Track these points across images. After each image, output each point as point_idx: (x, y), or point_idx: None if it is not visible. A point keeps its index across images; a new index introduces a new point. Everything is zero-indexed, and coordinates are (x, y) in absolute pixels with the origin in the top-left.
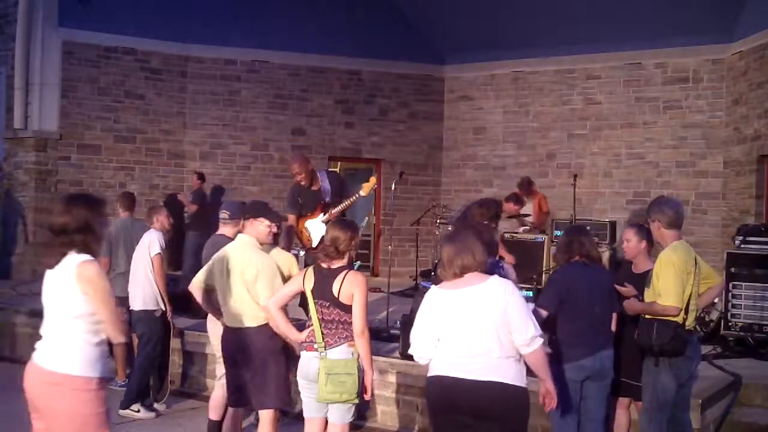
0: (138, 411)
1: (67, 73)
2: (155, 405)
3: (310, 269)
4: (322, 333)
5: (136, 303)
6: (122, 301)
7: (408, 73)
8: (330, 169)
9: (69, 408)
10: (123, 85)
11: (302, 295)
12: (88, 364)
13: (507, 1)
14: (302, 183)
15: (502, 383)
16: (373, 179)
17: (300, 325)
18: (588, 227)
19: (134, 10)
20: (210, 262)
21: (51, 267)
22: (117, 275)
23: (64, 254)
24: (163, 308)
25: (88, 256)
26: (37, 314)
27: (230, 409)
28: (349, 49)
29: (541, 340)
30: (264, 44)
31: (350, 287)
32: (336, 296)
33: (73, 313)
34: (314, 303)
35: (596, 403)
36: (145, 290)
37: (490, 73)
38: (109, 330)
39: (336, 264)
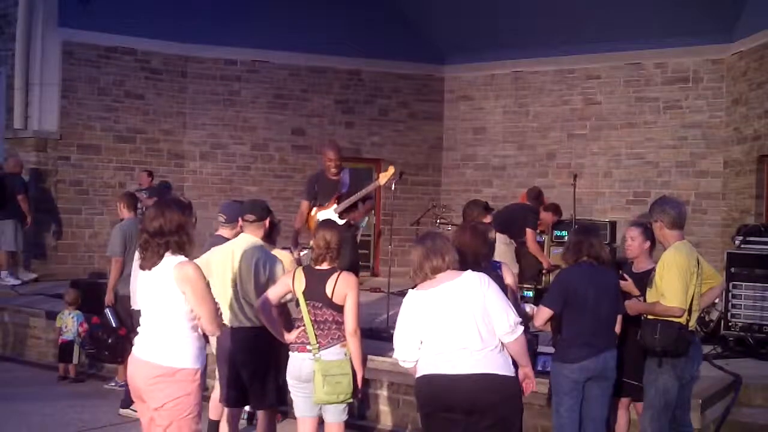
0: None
1: (67, 73)
2: None
3: (299, 270)
4: (315, 334)
5: (137, 304)
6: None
7: (408, 73)
8: (353, 168)
9: (177, 397)
10: (123, 85)
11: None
12: (195, 358)
13: (507, 1)
14: (331, 170)
15: (490, 374)
16: (392, 168)
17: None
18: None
19: (134, 10)
20: (205, 261)
21: (148, 268)
22: (127, 276)
23: (161, 256)
24: None
25: (183, 257)
26: (38, 315)
27: (226, 409)
28: (349, 49)
29: (522, 328)
30: (264, 44)
31: (344, 288)
32: (329, 297)
33: (176, 312)
34: (306, 304)
35: (598, 403)
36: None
37: (490, 73)
38: (207, 325)
39: (327, 265)
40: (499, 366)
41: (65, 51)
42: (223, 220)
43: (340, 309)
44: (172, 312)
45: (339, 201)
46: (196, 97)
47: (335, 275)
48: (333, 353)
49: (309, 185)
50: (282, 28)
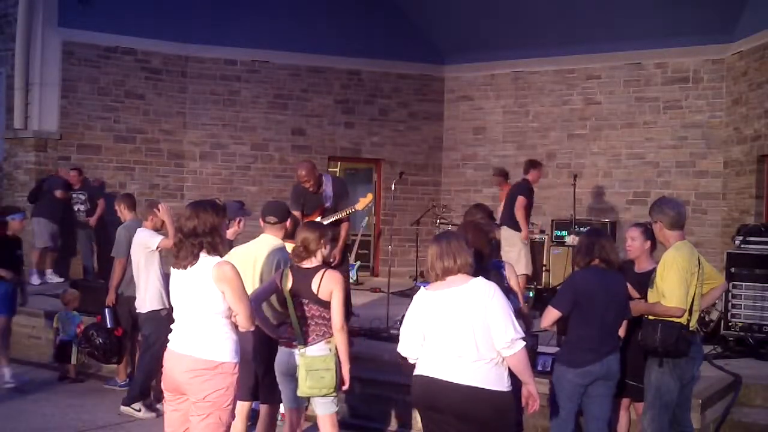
0: (139, 410)
1: (67, 73)
2: (157, 405)
3: (287, 269)
4: (301, 330)
5: (143, 306)
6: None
7: (408, 73)
8: (336, 176)
9: (217, 389)
10: (123, 85)
11: (280, 293)
12: (233, 352)
13: (507, 1)
14: (309, 190)
15: (480, 388)
16: (370, 195)
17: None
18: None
19: (134, 10)
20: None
21: (182, 268)
22: (131, 277)
23: (196, 256)
24: (168, 306)
25: (219, 258)
26: (37, 315)
27: (239, 404)
28: (349, 49)
29: (522, 343)
30: (264, 44)
31: (329, 284)
32: (315, 293)
33: (215, 310)
34: (293, 301)
35: (601, 403)
36: (148, 290)
37: (490, 73)
38: (243, 321)
39: (311, 263)
40: (491, 380)
41: (65, 51)
42: (274, 221)
43: (326, 305)
44: (211, 309)
45: (323, 214)
46: (196, 97)
47: (321, 272)
48: (318, 349)
49: (295, 197)
50: (282, 28)
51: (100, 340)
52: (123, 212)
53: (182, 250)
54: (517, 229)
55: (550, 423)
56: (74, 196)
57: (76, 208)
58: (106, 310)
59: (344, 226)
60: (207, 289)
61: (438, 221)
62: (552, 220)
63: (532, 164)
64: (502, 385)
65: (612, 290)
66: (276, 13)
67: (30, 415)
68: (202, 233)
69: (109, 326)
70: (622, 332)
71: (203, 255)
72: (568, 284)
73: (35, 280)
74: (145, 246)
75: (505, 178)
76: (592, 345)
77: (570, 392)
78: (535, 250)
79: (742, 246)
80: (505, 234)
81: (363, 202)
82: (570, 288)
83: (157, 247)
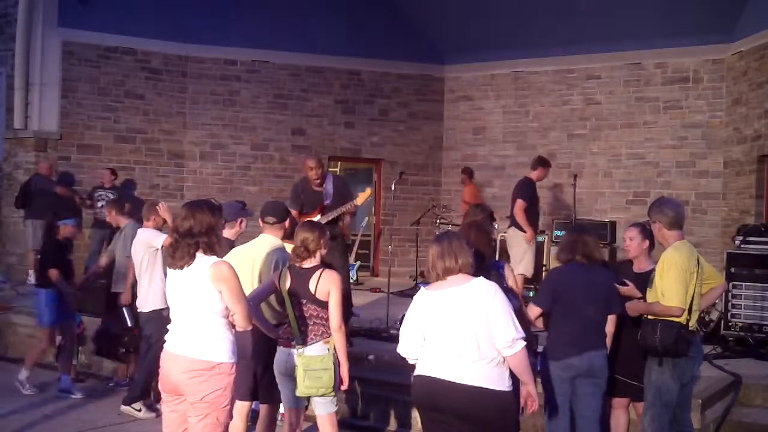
0: (139, 410)
1: (67, 73)
2: (157, 405)
3: (285, 269)
4: (299, 330)
5: (145, 305)
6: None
7: (408, 73)
8: (337, 174)
9: (215, 390)
10: (123, 85)
11: (278, 293)
12: (231, 352)
13: (507, 1)
14: (315, 180)
15: (482, 388)
16: (369, 190)
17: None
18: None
19: (134, 10)
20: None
21: (180, 267)
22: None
23: (192, 256)
24: None
25: (216, 258)
26: (36, 315)
27: (238, 403)
28: (349, 49)
29: (523, 343)
30: (264, 44)
31: (326, 285)
32: (313, 293)
33: (212, 310)
34: (291, 301)
35: (588, 400)
36: (150, 290)
37: (490, 73)
38: (240, 320)
39: (310, 263)
40: (493, 380)
41: (65, 51)
42: (273, 221)
43: (324, 305)
44: (208, 310)
45: (323, 211)
46: (196, 97)
47: (318, 272)
48: (316, 349)
49: (294, 194)
50: (282, 28)
51: (126, 339)
52: (116, 218)
53: (178, 250)
54: (523, 230)
55: (543, 418)
56: (102, 194)
57: (100, 204)
58: (125, 309)
59: (347, 217)
60: (204, 289)
61: (438, 221)
62: (552, 220)
63: (541, 162)
64: (504, 384)
65: (593, 285)
66: (276, 13)
67: (30, 415)
68: (198, 233)
69: (129, 325)
70: (611, 328)
71: (200, 255)
72: (546, 280)
73: (33, 281)
74: (148, 245)
75: (469, 177)
76: (571, 338)
77: (557, 387)
78: (535, 250)
79: (742, 246)
80: (511, 233)
81: (362, 197)
82: (548, 284)
83: (162, 246)
